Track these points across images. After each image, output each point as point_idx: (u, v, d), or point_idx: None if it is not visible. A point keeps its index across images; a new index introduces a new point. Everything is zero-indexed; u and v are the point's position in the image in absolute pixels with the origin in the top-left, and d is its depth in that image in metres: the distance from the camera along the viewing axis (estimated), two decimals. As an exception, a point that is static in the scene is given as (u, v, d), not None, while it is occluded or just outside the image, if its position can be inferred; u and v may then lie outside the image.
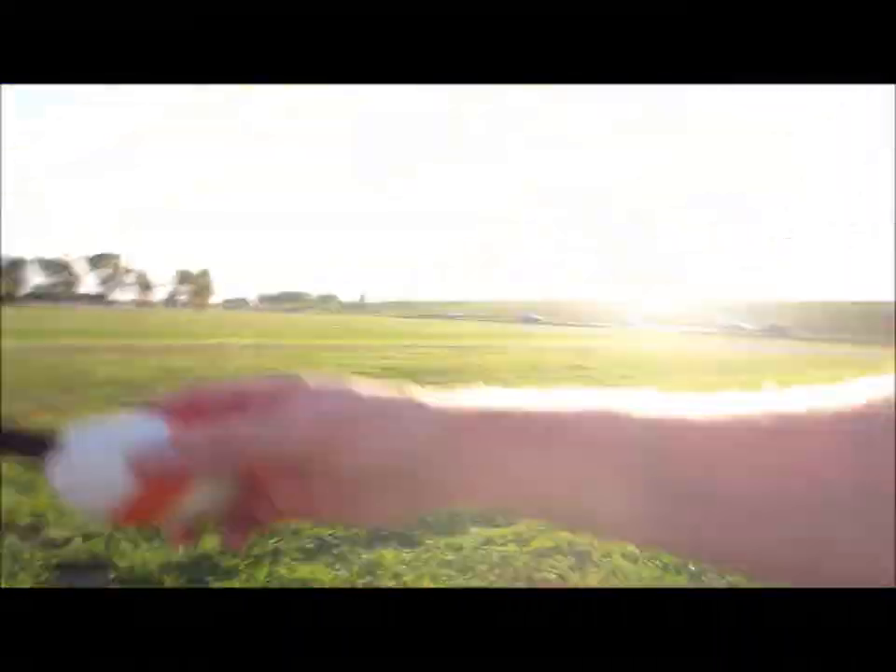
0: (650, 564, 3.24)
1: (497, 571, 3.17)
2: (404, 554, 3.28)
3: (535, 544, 3.48)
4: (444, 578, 3.07)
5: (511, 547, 3.46)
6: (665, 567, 3.21)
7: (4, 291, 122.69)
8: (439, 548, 3.41)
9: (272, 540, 3.25)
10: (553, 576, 3.15)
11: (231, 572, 2.96)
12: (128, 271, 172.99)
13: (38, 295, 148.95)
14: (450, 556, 3.31)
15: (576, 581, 3.09)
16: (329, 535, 3.42)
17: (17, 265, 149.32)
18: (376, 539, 3.44)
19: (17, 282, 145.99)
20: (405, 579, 3.03)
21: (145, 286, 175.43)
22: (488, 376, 11.38)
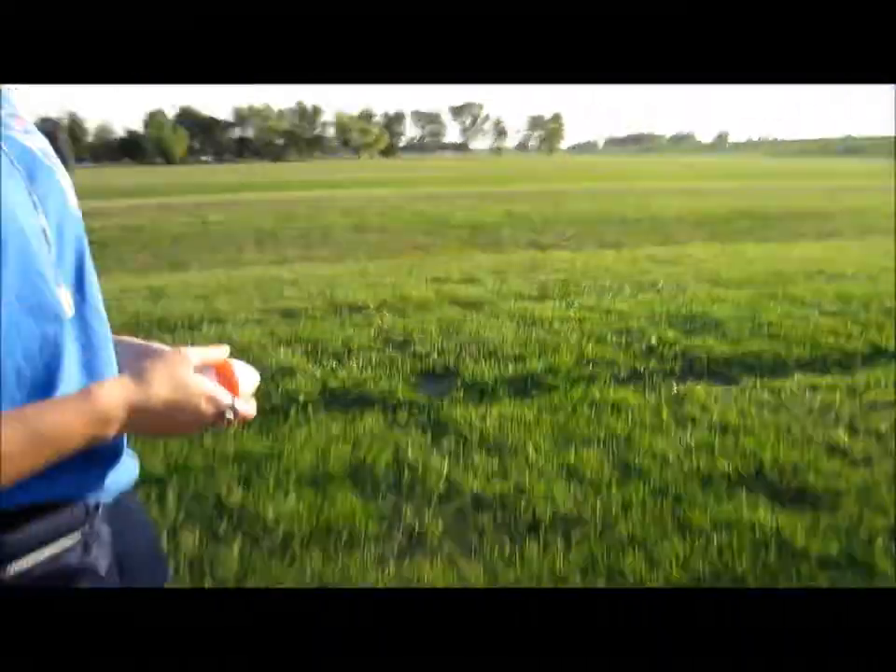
0: None
1: (814, 415, 3.16)
2: (715, 390, 3.41)
3: (870, 395, 3.36)
4: (754, 415, 3.13)
5: (839, 395, 3.35)
6: None
7: (385, 144, 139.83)
8: (755, 388, 3.45)
9: (588, 367, 3.69)
10: (885, 426, 3.00)
11: (552, 388, 3.43)
12: (486, 119, 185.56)
13: (411, 146, 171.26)
14: (765, 396, 3.36)
15: None
16: (644, 367, 3.72)
17: (396, 119, 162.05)
18: (689, 374, 3.64)
19: (395, 135, 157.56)
20: (712, 410, 3.16)
21: (500, 132, 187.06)
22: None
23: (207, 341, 4.16)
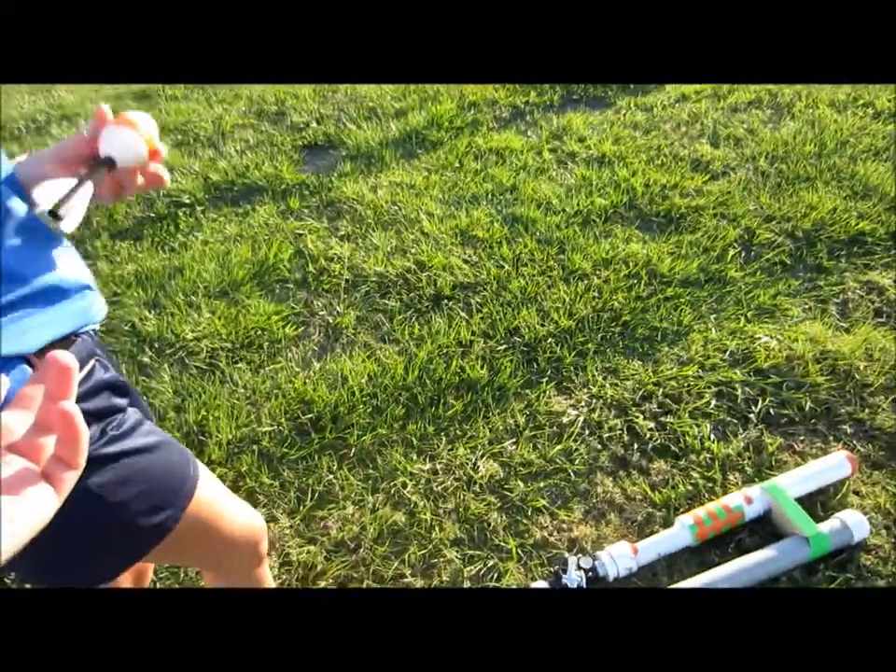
0: (859, 112, 3.32)
1: (682, 129, 3.33)
2: (592, 118, 3.49)
3: (731, 99, 3.55)
4: (628, 139, 3.27)
5: (704, 103, 3.54)
6: (876, 116, 3.28)
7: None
8: (629, 109, 3.55)
9: (470, 113, 3.68)
10: (742, 130, 3.27)
11: (437, 144, 3.41)
12: None
13: None
14: (638, 116, 3.46)
15: (765, 133, 3.22)
16: (524, 102, 3.73)
17: None
18: (568, 103, 3.70)
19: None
20: (590, 142, 3.27)
21: None
22: None
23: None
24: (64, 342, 0.76)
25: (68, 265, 0.79)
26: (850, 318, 2.24)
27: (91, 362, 0.80)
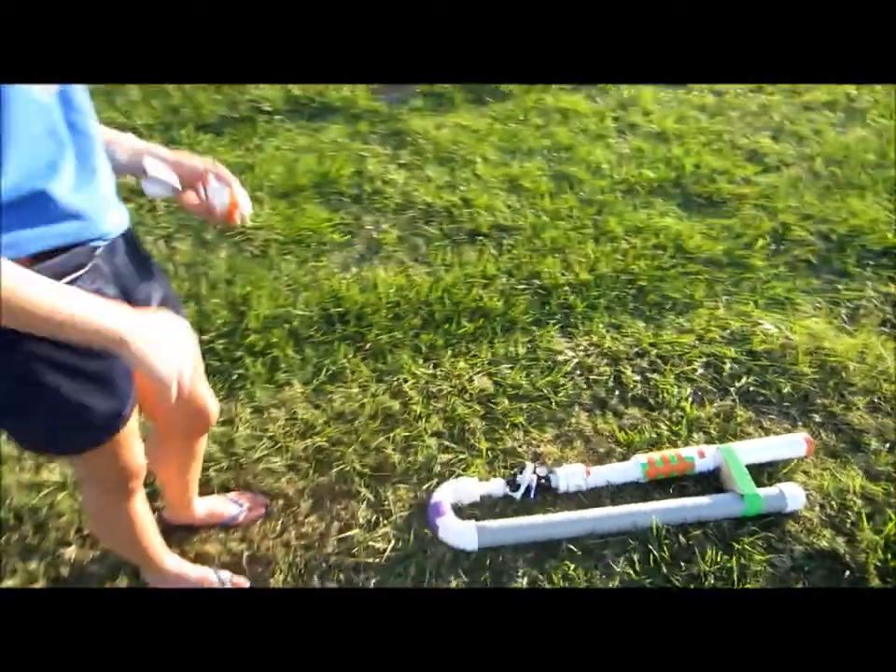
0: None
1: (748, 119, 3.42)
2: (663, 94, 3.59)
3: (807, 97, 3.65)
4: (691, 120, 3.36)
5: (778, 97, 3.61)
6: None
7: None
8: (701, 91, 3.65)
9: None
10: (808, 129, 3.31)
11: (507, 95, 3.56)
12: None
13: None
14: (708, 99, 3.58)
15: (830, 135, 3.26)
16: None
17: None
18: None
19: None
20: (653, 116, 3.39)
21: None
22: None
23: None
24: (56, 251, 0.84)
25: (85, 187, 0.86)
26: (857, 323, 2.34)
27: (76, 274, 0.87)
